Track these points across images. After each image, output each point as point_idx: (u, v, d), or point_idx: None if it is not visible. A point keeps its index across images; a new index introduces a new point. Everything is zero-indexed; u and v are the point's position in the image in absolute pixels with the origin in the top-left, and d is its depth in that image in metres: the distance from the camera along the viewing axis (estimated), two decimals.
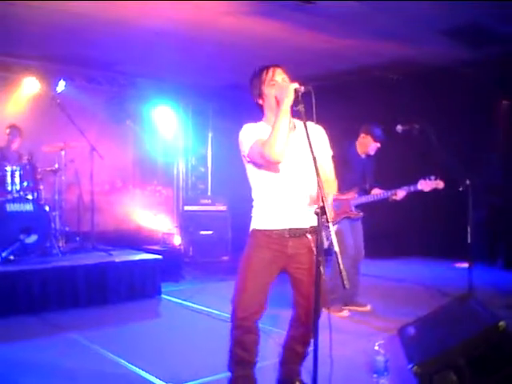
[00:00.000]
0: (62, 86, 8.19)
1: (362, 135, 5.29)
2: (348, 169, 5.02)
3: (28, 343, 4.32)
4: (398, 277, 6.95)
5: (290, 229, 2.89)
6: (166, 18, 5.98)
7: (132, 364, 3.82)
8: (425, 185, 4.94)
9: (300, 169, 2.89)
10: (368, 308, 5.26)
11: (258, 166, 2.90)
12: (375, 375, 3.32)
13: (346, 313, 5.09)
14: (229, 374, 3.03)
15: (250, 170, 2.97)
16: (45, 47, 7.15)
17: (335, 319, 4.38)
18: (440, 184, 4.96)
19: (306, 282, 2.90)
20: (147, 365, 3.78)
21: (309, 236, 2.88)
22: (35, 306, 5.18)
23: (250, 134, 2.87)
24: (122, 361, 3.89)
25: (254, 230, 2.99)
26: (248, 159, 2.91)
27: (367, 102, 7.74)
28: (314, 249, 2.81)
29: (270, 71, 2.91)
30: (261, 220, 2.96)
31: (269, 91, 2.89)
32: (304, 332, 3.01)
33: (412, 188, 5.00)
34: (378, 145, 5.28)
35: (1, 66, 7.69)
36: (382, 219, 7.69)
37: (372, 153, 5.33)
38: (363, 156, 5.34)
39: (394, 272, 7.30)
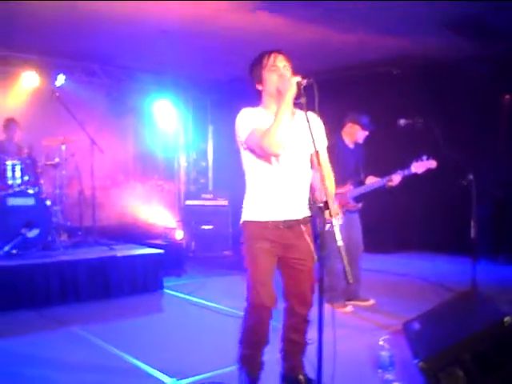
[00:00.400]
0: (61, 79, 8.17)
1: (350, 124, 5.18)
2: (339, 162, 4.90)
3: (30, 337, 4.31)
4: (400, 271, 6.91)
5: (284, 220, 2.87)
6: (166, 13, 5.93)
7: (135, 358, 3.80)
8: (418, 166, 4.86)
9: (297, 159, 2.86)
10: (371, 302, 5.24)
11: (254, 154, 2.85)
12: (380, 370, 3.30)
13: (349, 308, 5.06)
14: (237, 358, 3.02)
15: (246, 156, 2.92)
16: (44, 41, 7.10)
17: (339, 314, 4.35)
18: (433, 164, 4.88)
19: (302, 272, 2.91)
20: (150, 359, 3.76)
21: (302, 227, 2.87)
22: (37, 300, 5.17)
23: (247, 120, 2.82)
24: (126, 355, 3.87)
25: (248, 222, 2.94)
26: (245, 146, 2.86)
27: (368, 96, 7.70)
28: (308, 238, 2.86)
29: (272, 57, 2.87)
30: (255, 211, 2.92)
31: (269, 76, 2.85)
32: (297, 321, 3.02)
33: (406, 172, 4.90)
34: (367, 133, 5.20)
35: (0, 60, 7.65)
36: (384, 214, 7.69)
37: (360, 141, 5.24)
38: (352, 146, 5.23)
39: (397, 266, 7.26)
